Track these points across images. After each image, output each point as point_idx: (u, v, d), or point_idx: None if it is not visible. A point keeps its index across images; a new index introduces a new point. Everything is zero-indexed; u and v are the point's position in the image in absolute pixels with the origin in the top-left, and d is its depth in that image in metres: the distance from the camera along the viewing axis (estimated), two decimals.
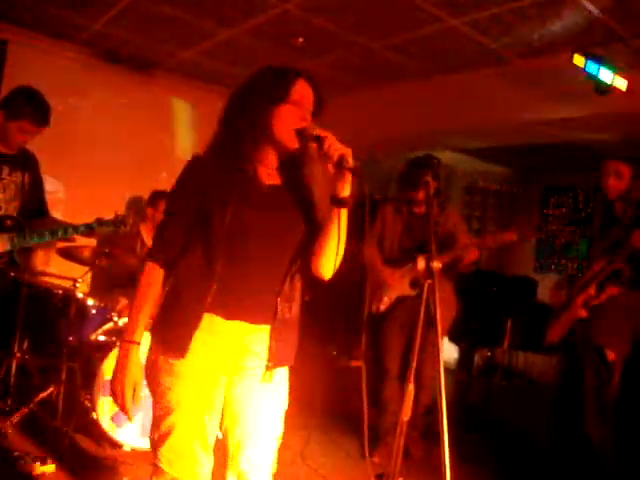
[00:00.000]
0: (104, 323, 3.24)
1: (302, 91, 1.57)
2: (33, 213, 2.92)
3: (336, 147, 1.49)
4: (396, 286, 3.22)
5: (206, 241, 1.52)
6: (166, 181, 4.78)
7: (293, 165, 1.64)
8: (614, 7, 3.10)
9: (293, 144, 1.57)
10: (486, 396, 4.91)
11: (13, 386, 3.12)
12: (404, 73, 4.58)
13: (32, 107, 2.70)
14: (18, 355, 3.16)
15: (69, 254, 3.27)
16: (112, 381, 1.53)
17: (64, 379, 3.06)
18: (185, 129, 5.16)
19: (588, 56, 3.36)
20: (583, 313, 2.74)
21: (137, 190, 4.75)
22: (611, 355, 2.68)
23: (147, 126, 5.01)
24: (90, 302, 3.31)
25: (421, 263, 3.11)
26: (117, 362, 1.53)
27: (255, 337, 1.59)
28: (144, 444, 2.95)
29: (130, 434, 2.93)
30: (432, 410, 3.04)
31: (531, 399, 4.98)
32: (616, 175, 2.75)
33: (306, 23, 3.77)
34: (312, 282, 1.69)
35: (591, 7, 3.11)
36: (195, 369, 1.52)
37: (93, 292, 3.71)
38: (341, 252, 1.60)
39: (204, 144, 1.64)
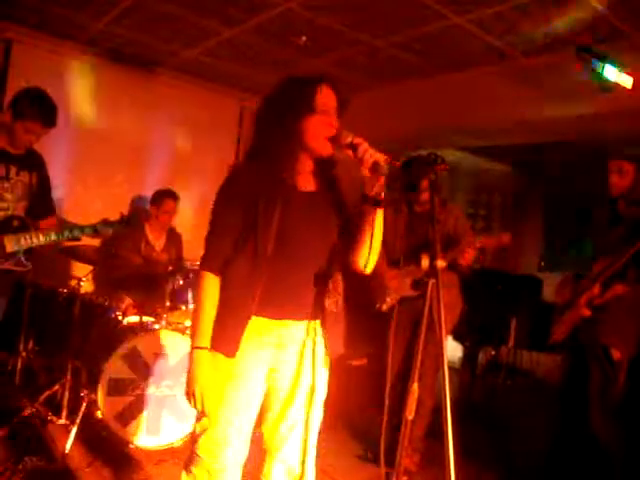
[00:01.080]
0: (109, 322, 3.24)
1: (325, 98, 1.66)
2: (40, 213, 2.92)
3: (370, 153, 1.60)
4: (398, 287, 3.21)
5: (253, 248, 1.62)
6: (169, 180, 4.80)
7: (326, 168, 1.75)
8: (618, 4, 3.09)
9: (326, 151, 1.67)
10: (490, 395, 4.90)
11: (18, 385, 3.13)
12: (408, 71, 4.57)
13: (38, 108, 2.71)
14: (23, 354, 3.18)
15: (74, 253, 3.28)
16: (191, 387, 1.60)
17: (69, 378, 3.07)
18: (188, 128, 5.16)
19: (592, 53, 3.34)
20: (586, 312, 2.72)
21: (140, 189, 4.77)
22: (616, 354, 2.67)
23: (150, 125, 5.02)
24: (95, 301, 3.33)
25: (425, 262, 3.10)
26: (193, 368, 1.60)
27: (297, 332, 1.71)
28: (149, 442, 2.96)
29: (135, 433, 2.93)
30: (437, 409, 3.04)
31: (536, 398, 4.97)
32: (620, 173, 2.74)
33: (309, 21, 3.77)
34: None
35: (595, 4, 3.10)
36: (240, 366, 1.64)
37: (98, 291, 3.73)
38: (378, 247, 1.72)
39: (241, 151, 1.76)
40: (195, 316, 1.65)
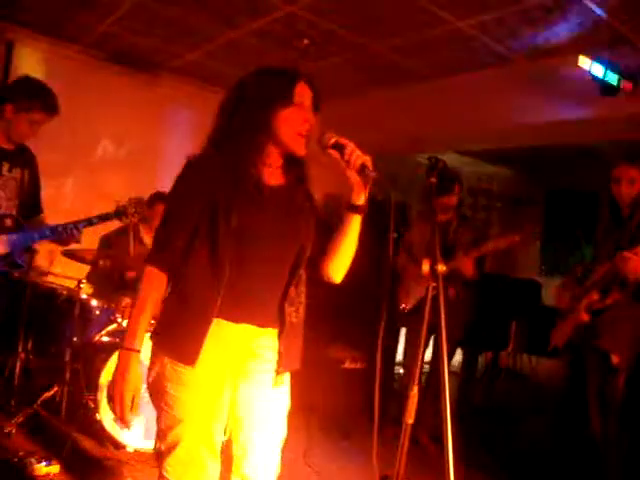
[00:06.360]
0: (108, 324, 3.24)
1: (303, 93, 1.57)
2: (30, 212, 2.82)
3: (358, 155, 1.50)
4: (418, 289, 3.38)
5: (212, 244, 1.49)
6: (169, 182, 4.79)
7: (296, 164, 1.63)
8: (619, 9, 3.09)
9: (299, 149, 1.57)
10: (490, 399, 4.89)
11: (17, 386, 3.12)
12: (409, 75, 4.57)
13: (42, 97, 2.62)
14: (22, 355, 3.16)
15: (73, 255, 3.27)
16: (111, 388, 1.48)
17: (68, 380, 3.07)
18: (189, 130, 5.16)
19: (594, 58, 3.35)
20: (585, 317, 2.73)
21: (139, 190, 4.76)
22: (615, 359, 2.67)
23: (151, 127, 5.02)
24: (94, 303, 3.32)
25: (425, 266, 3.12)
26: (117, 370, 1.48)
27: (261, 340, 1.59)
28: (147, 445, 2.95)
29: (133, 435, 2.92)
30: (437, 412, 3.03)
31: (535, 402, 4.96)
32: (629, 181, 2.72)
33: (311, 25, 3.78)
34: (319, 284, 1.69)
35: (597, 9, 3.10)
36: (203, 376, 1.50)
37: (97, 293, 3.71)
38: (351, 257, 1.62)
39: (201, 143, 1.64)
40: (132, 314, 1.49)
